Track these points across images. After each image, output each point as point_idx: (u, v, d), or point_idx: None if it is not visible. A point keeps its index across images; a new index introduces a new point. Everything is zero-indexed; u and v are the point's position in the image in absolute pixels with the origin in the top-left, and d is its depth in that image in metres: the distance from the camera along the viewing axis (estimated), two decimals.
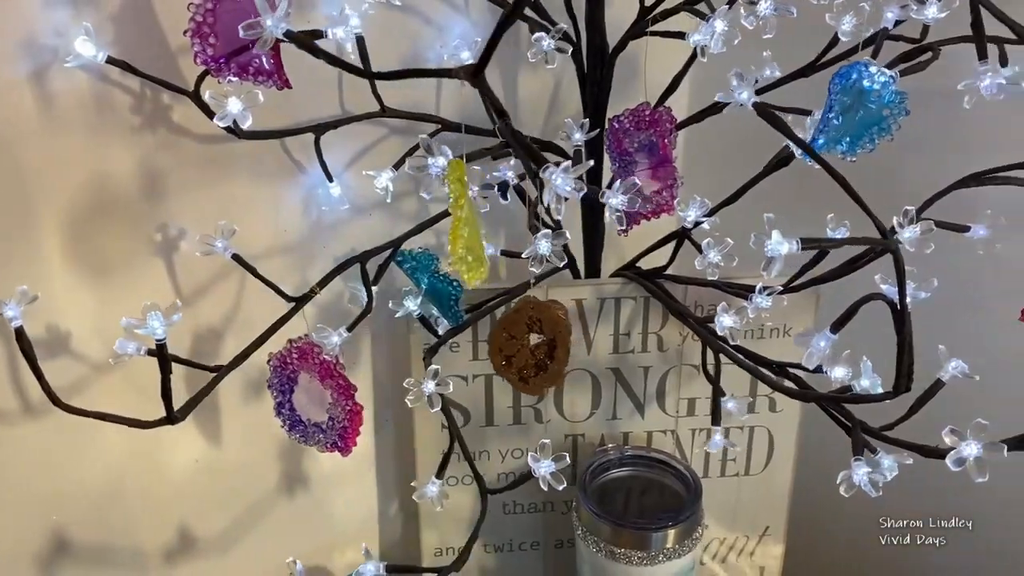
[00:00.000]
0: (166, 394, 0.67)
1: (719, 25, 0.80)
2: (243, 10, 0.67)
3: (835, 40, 0.85)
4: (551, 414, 1.09)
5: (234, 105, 0.73)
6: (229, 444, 1.01)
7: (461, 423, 1.09)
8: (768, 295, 0.83)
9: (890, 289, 0.67)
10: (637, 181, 0.90)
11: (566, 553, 1.16)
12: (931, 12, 0.81)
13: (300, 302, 0.82)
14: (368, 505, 1.17)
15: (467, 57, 0.97)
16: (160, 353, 0.66)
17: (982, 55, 0.66)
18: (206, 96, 0.72)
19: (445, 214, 0.90)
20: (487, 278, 0.73)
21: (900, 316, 0.63)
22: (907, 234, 0.79)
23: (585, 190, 0.64)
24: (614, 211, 0.69)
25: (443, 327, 0.96)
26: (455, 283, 0.93)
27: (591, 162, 0.64)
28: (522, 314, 0.81)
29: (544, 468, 0.79)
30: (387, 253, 0.89)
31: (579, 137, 0.91)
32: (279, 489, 1.09)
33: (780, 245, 0.60)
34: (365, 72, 0.71)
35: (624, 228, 0.94)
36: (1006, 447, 0.65)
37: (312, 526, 1.12)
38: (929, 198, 0.80)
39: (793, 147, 0.78)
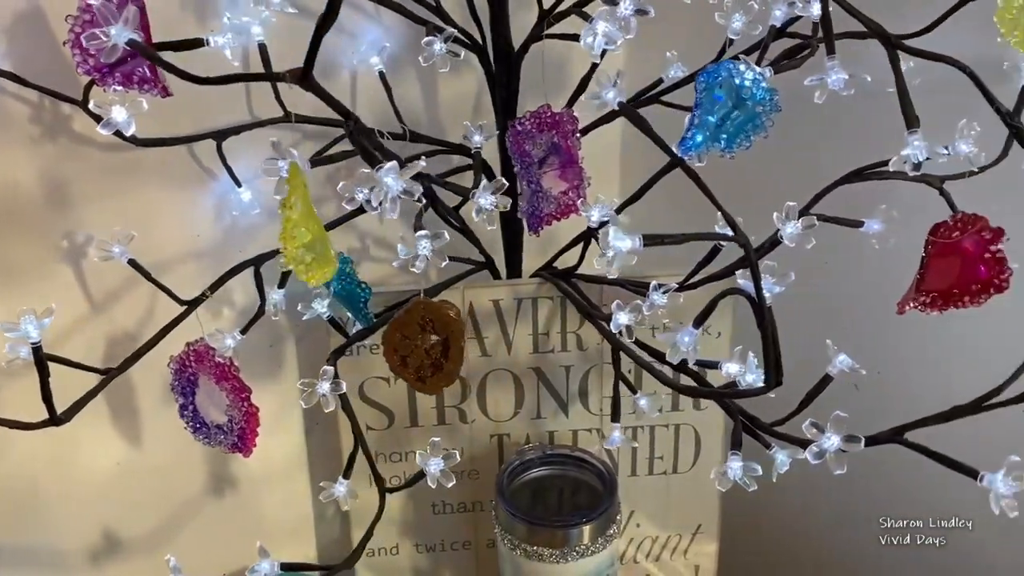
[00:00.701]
0: (46, 397, 0.69)
1: (601, 27, 0.80)
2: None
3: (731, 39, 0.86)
4: (475, 414, 1.10)
5: (118, 113, 0.74)
6: (152, 446, 1.03)
7: (385, 424, 1.10)
8: (664, 293, 0.83)
9: (747, 284, 0.67)
10: (529, 185, 0.93)
11: (496, 553, 1.17)
12: (816, 9, 0.82)
13: (192, 305, 0.84)
14: (302, 506, 1.18)
15: (376, 63, 0.99)
16: (36, 356, 0.67)
17: (830, 50, 0.66)
18: (91, 105, 0.74)
19: (345, 218, 0.91)
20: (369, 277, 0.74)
21: (759, 311, 0.64)
22: (788, 229, 0.79)
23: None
24: (480, 212, 0.70)
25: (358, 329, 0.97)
26: (364, 285, 0.94)
27: (422, 163, 0.65)
28: (414, 315, 0.82)
29: (434, 466, 0.80)
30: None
31: (479, 140, 0.92)
32: (207, 490, 1.10)
33: (621, 242, 0.61)
34: (197, 79, 0.70)
35: (533, 229, 0.96)
36: (863, 440, 0.66)
37: (243, 527, 1.13)
38: (817, 193, 0.81)
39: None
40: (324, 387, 0.82)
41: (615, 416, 0.93)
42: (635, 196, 0.93)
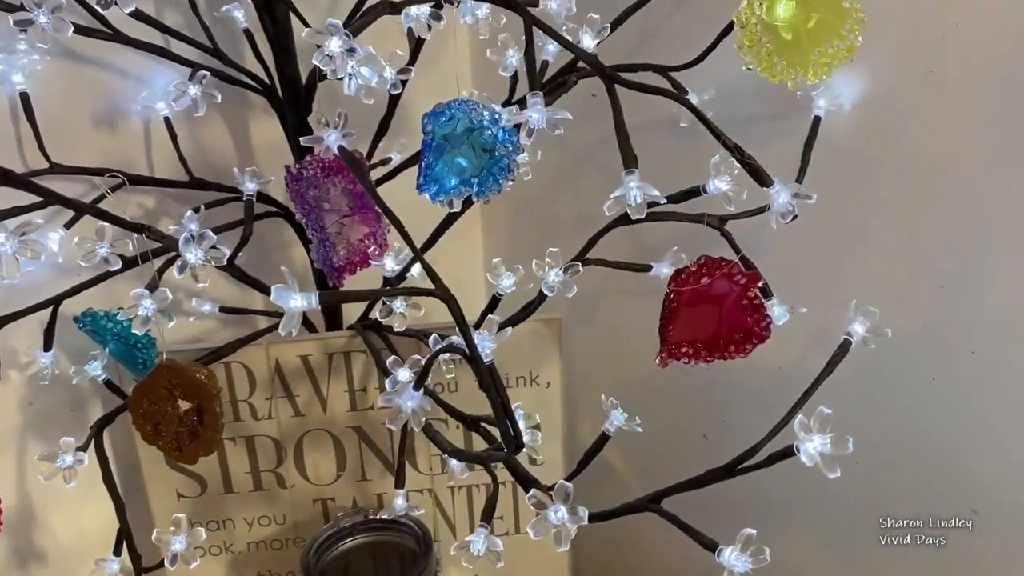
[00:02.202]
0: None
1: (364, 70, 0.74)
2: None
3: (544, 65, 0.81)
4: (294, 478, 1.03)
5: None
6: None
7: (198, 492, 1.03)
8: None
9: (458, 340, 0.61)
10: (315, 234, 0.87)
11: None
12: (587, 41, 0.77)
13: None
14: None
15: (162, 108, 0.94)
16: None
17: (532, 86, 0.61)
18: None
19: (108, 275, 0.85)
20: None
21: (477, 371, 0.57)
22: (551, 277, 0.73)
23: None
24: (185, 268, 0.64)
25: None
26: (143, 344, 0.88)
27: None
28: (158, 380, 0.76)
29: (178, 545, 0.73)
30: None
31: (251, 187, 0.86)
32: (7, 566, 1.03)
33: (293, 301, 0.54)
34: None
35: (333, 280, 0.90)
36: (588, 516, 0.59)
37: None
38: (590, 239, 0.75)
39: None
40: (66, 459, 0.75)
41: (398, 482, 0.86)
42: (426, 244, 0.88)
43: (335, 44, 0.63)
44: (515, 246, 1.24)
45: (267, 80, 0.92)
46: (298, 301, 0.54)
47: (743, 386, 0.97)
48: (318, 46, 0.63)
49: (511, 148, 0.69)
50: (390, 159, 1.03)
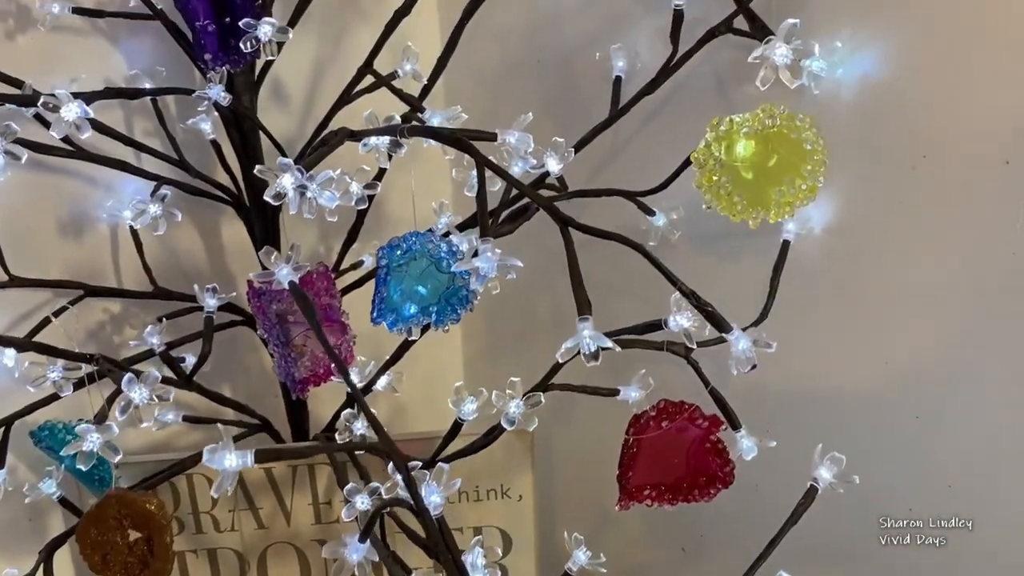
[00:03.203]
0: None
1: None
2: None
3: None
4: None
5: None
6: None
7: None
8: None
9: (404, 494, 0.58)
10: (276, 349, 0.85)
11: None
12: (552, 165, 0.76)
13: None
14: None
15: (128, 216, 0.93)
16: None
17: (483, 232, 0.59)
18: None
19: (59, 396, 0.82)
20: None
21: (425, 526, 0.55)
22: (512, 409, 0.72)
23: None
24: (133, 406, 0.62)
25: None
26: (99, 460, 0.85)
27: None
28: (107, 509, 0.73)
29: None
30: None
31: (212, 303, 0.84)
32: None
33: (227, 460, 0.52)
34: None
35: (296, 392, 0.88)
36: None
37: None
38: (552, 367, 0.73)
39: None
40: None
41: None
42: (391, 361, 0.86)
43: (287, 181, 0.62)
44: (493, 341, 1.22)
45: (234, 189, 0.91)
46: (232, 460, 0.52)
47: (720, 503, 0.94)
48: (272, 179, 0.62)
49: (468, 279, 0.67)
50: (362, 262, 1.02)
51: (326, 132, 0.81)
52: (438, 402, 1.19)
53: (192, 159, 0.91)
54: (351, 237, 0.94)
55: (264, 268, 0.69)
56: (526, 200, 0.78)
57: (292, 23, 0.89)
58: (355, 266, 1.01)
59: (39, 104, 0.70)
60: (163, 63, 0.93)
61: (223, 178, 0.92)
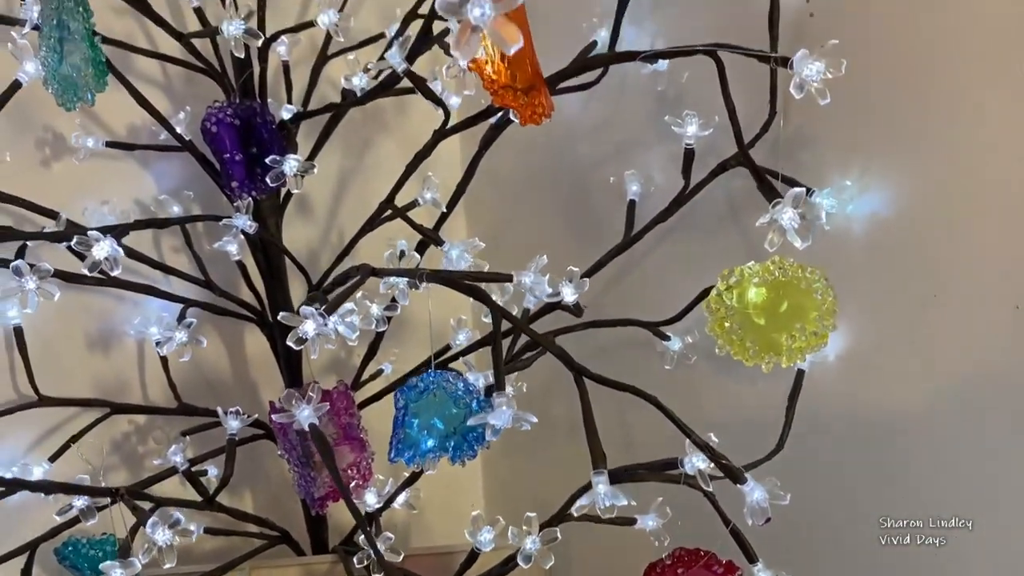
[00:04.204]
0: None
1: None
2: None
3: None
4: None
5: None
6: None
7: None
8: None
9: None
10: (295, 469, 0.86)
11: None
12: (567, 294, 0.77)
13: None
14: None
15: (154, 333, 0.95)
16: None
17: (499, 386, 0.60)
18: None
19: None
20: None
21: None
22: (528, 545, 0.72)
23: None
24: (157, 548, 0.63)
25: None
26: None
27: None
28: None
29: None
30: None
31: (235, 426, 0.86)
32: None
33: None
34: None
35: (315, 509, 0.89)
36: None
37: None
38: (569, 497, 0.73)
39: None
40: None
41: None
42: (409, 480, 0.87)
43: (309, 327, 0.64)
44: (511, 450, 1.23)
45: (258, 306, 0.93)
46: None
47: None
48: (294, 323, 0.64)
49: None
50: (381, 371, 1.03)
51: (348, 264, 0.83)
52: (456, 506, 1.20)
53: (216, 273, 0.94)
54: (371, 351, 0.96)
55: (287, 393, 0.71)
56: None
57: (316, 149, 0.93)
58: (375, 376, 1.02)
59: (72, 243, 0.73)
60: (191, 185, 0.96)
61: (247, 294, 0.94)
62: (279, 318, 0.65)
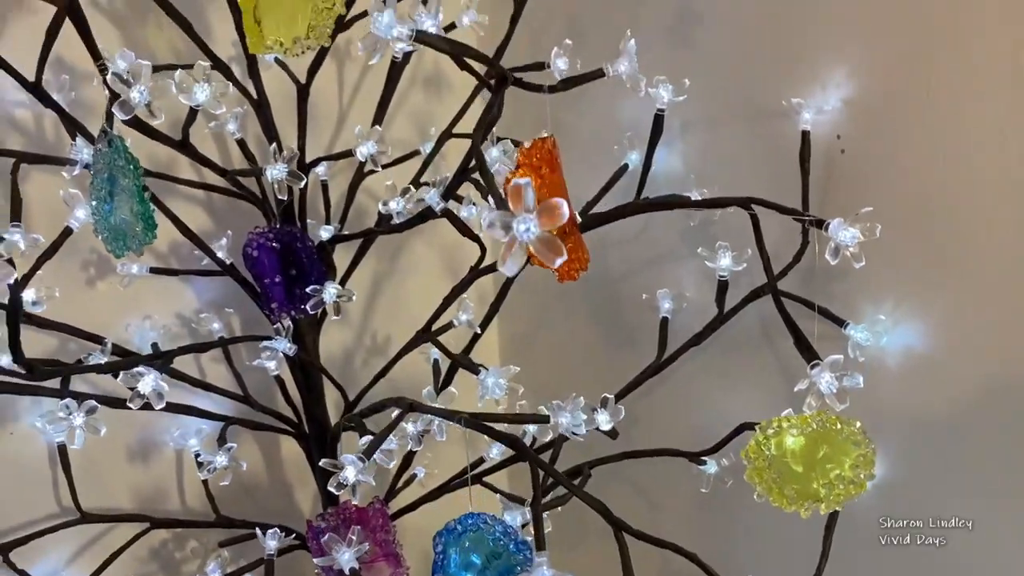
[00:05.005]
0: None
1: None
2: None
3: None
4: None
5: None
6: None
7: None
8: None
9: None
10: None
11: None
12: (603, 421, 0.78)
13: None
14: None
15: (194, 444, 0.96)
16: None
17: (540, 546, 0.61)
18: None
19: None
20: None
21: None
22: None
23: None
24: None
25: None
26: None
27: None
28: None
29: None
30: None
31: (272, 546, 0.87)
32: None
33: None
34: None
35: None
36: None
37: None
38: None
39: None
40: None
41: None
42: None
43: (351, 473, 0.65)
44: None
45: (295, 419, 0.95)
46: None
47: None
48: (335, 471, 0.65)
49: (523, 559, 0.69)
50: (415, 476, 1.04)
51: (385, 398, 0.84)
52: None
53: (252, 380, 0.95)
54: (406, 463, 0.96)
55: (330, 537, 0.72)
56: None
57: (352, 266, 0.94)
58: (408, 482, 1.03)
59: (119, 378, 0.75)
60: (230, 300, 0.99)
61: (282, 405, 0.96)
62: (320, 463, 0.67)
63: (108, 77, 0.59)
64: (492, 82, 0.58)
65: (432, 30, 0.60)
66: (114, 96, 0.59)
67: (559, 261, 0.42)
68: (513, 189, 0.42)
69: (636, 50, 0.69)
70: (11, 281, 0.63)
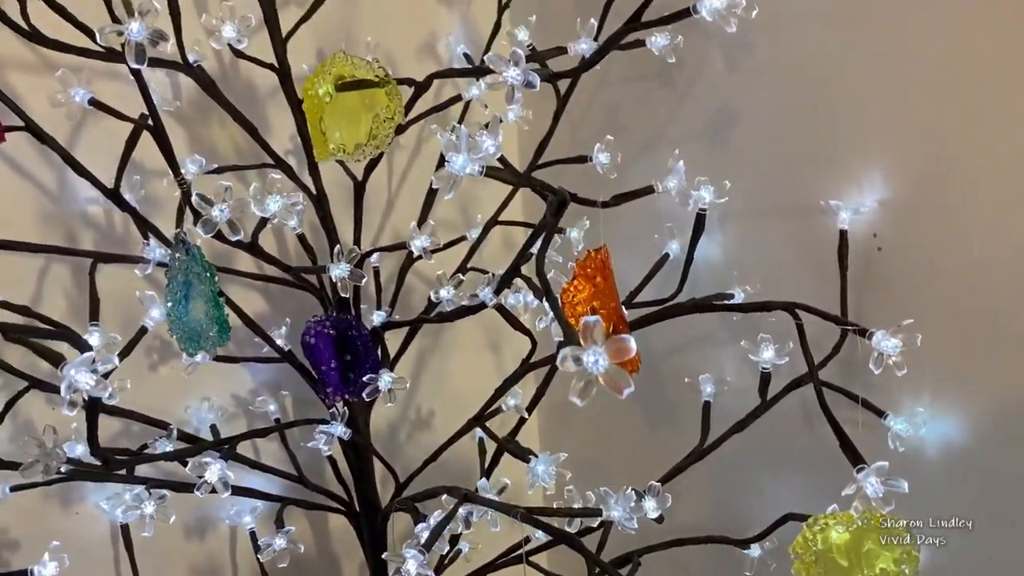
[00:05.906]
0: None
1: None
2: None
3: None
4: None
5: None
6: None
7: None
8: None
9: None
10: None
11: None
12: (650, 509, 0.80)
13: None
14: None
15: (248, 522, 1.00)
16: None
17: None
18: None
19: None
20: None
21: None
22: None
23: None
24: None
25: None
26: None
27: None
28: None
29: None
30: None
31: None
32: None
33: None
34: None
35: None
36: None
37: None
38: None
39: None
40: None
41: None
42: None
43: (412, 567, 0.68)
44: None
45: (346, 498, 0.98)
46: None
47: None
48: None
49: None
50: (460, 551, 1.07)
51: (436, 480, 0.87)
52: None
53: (304, 456, 0.99)
54: (452, 539, 0.99)
55: None
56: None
57: (403, 350, 0.98)
58: (455, 557, 1.05)
59: (187, 467, 0.78)
60: (285, 382, 1.02)
61: (333, 482, 0.99)
62: (382, 555, 0.70)
63: (193, 200, 0.63)
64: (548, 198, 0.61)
65: (491, 149, 0.64)
66: (196, 215, 0.64)
67: (627, 392, 0.45)
68: (584, 327, 0.46)
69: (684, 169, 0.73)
70: (93, 381, 0.67)
